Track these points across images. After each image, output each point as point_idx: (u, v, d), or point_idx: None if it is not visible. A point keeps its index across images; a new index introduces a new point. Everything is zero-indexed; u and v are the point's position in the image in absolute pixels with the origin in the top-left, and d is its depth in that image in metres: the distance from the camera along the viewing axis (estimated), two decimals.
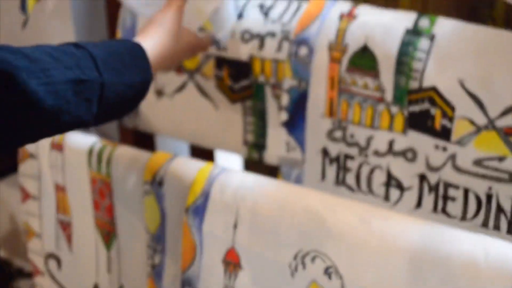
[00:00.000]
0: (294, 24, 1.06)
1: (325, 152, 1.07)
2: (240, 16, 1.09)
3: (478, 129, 0.93)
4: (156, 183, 1.04)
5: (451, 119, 0.94)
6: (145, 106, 1.24)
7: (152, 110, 1.25)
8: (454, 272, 0.82)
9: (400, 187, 1.01)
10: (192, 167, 1.02)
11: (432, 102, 0.95)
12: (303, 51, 1.04)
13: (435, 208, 0.99)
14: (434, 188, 0.99)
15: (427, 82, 0.95)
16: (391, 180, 1.02)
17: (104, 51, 0.84)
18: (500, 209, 0.93)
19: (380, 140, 1.02)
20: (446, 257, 0.83)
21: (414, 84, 0.96)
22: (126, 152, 1.11)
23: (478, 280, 0.80)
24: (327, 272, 0.90)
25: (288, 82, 1.07)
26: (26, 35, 1.33)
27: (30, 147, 1.24)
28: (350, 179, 1.05)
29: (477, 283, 0.80)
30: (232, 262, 0.98)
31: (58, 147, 1.18)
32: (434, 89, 0.95)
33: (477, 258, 0.81)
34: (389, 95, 0.99)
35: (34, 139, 0.80)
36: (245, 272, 0.97)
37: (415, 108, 0.97)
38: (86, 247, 1.20)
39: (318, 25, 1.03)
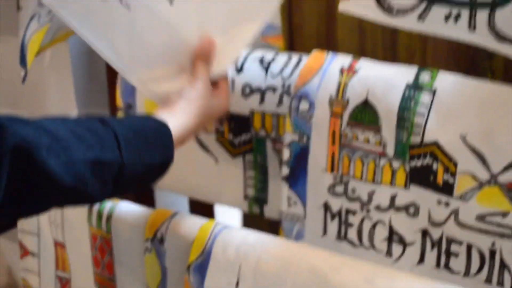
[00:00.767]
0: (294, 78, 1.06)
1: (326, 207, 1.06)
2: (240, 70, 1.10)
3: (481, 185, 0.93)
4: (157, 240, 1.04)
5: (453, 174, 0.94)
6: None
7: None
8: None
9: (403, 242, 1.01)
10: (193, 224, 1.01)
11: (434, 157, 0.95)
12: (304, 105, 1.05)
13: (438, 264, 0.98)
14: (437, 244, 0.98)
15: (428, 137, 0.95)
16: (393, 236, 1.01)
17: (129, 129, 0.84)
18: (503, 265, 0.92)
19: (382, 195, 1.01)
20: None
21: (415, 139, 0.96)
22: (126, 209, 1.10)
23: None
24: None
25: (289, 136, 1.07)
26: (26, 88, 1.34)
27: None
28: (352, 234, 1.05)
29: None
30: None
31: None
32: (436, 144, 0.95)
33: None
34: (390, 150, 0.99)
35: (47, 210, 0.80)
36: None
37: (417, 163, 0.97)
38: None
39: (318, 79, 1.04)
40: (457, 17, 0.84)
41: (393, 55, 1.20)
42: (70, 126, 0.78)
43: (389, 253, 1.02)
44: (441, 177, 0.96)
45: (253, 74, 1.10)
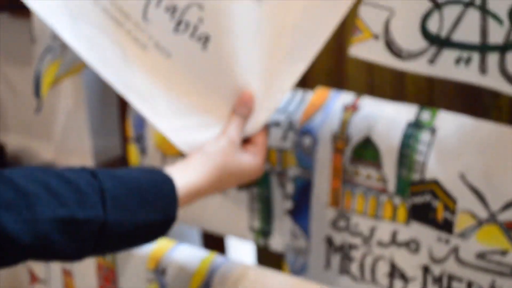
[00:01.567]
0: (299, 114, 1.08)
1: (329, 241, 1.08)
2: None
3: (480, 223, 0.94)
4: (159, 271, 1.06)
5: (453, 212, 0.96)
6: None
7: None
8: None
9: (404, 278, 1.02)
10: (195, 256, 1.03)
11: (434, 195, 0.97)
12: (307, 141, 1.07)
13: None
14: (437, 280, 0.99)
15: (428, 175, 0.97)
16: (394, 271, 1.03)
17: (122, 184, 0.78)
18: None
19: (384, 230, 1.03)
20: None
21: (416, 176, 0.98)
22: None
23: None
24: None
25: (293, 171, 1.09)
26: (39, 116, 1.37)
27: None
28: (354, 268, 1.06)
29: None
30: None
31: None
32: (435, 182, 0.96)
33: None
34: (391, 186, 1.01)
35: (11, 265, 0.74)
36: None
37: (418, 200, 0.99)
38: None
39: (322, 116, 1.06)
40: (468, 60, 0.85)
41: (401, 91, 1.22)
42: (47, 180, 0.73)
43: None
44: (441, 215, 0.97)
45: None
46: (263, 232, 1.17)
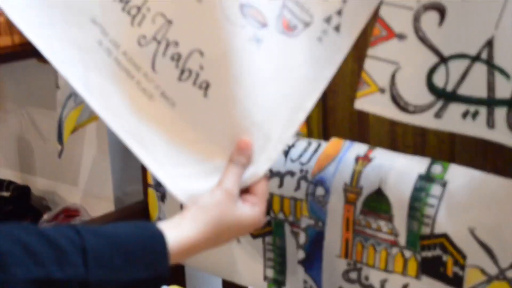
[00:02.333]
0: (312, 164, 1.09)
1: None
2: None
3: (490, 279, 0.93)
4: None
5: (462, 267, 0.95)
6: None
7: None
8: None
9: None
10: None
11: (444, 249, 0.96)
12: (319, 191, 1.07)
13: None
14: None
15: (438, 229, 0.96)
16: None
17: (106, 242, 0.75)
18: None
19: (394, 283, 1.02)
20: None
21: (426, 230, 0.97)
22: None
23: None
24: None
25: (306, 221, 1.09)
26: (64, 162, 1.40)
27: None
28: None
29: None
30: None
31: None
32: (445, 236, 0.96)
33: None
34: (402, 239, 1.00)
35: None
36: None
37: (428, 253, 0.98)
38: None
39: (335, 166, 1.07)
40: (475, 114, 0.85)
41: (423, 141, 1.22)
42: (26, 239, 0.71)
43: None
44: (450, 269, 0.96)
45: None
46: (277, 282, 1.17)
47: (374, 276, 1.04)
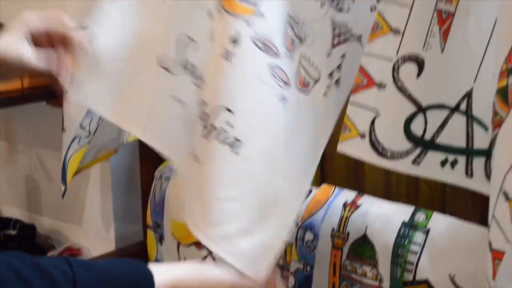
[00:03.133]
0: (302, 210, 1.12)
1: None
2: None
3: None
4: None
5: None
6: None
7: None
8: None
9: None
10: None
11: None
12: (308, 236, 1.10)
13: None
14: None
15: (420, 275, 0.98)
16: None
17: (96, 277, 0.78)
18: None
19: None
20: None
21: (408, 276, 0.99)
22: None
23: None
24: None
25: (295, 264, 1.11)
26: (68, 202, 1.44)
27: None
28: None
29: None
30: None
31: None
32: (426, 282, 0.98)
33: None
34: (386, 285, 1.02)
35: None
36: None
37: None
38: None
39: (323, 212, 1.09)
40: (454, 163, 0.88)
41: (416, 189, 1.24)
42: (21, 267, 0.74)
43: None
44: None
45: None
46: None
47: None
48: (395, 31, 0.85)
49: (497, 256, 0.69)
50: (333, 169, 1.29)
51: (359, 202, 1.08)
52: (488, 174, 0.87)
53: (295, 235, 1.11)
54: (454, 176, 0.88)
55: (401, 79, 0.86)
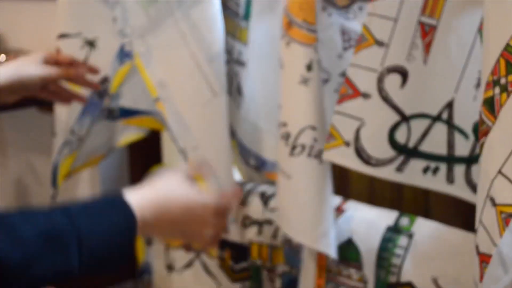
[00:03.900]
0: None
1: None
2: (243, 203, 1.20)
3: None
4: None
5: None
6: (158, 279, 1.34)
7: (164, 284, 1.34)
8: None
9: None
10: None
11: None
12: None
13: None
14: None
15: (404, 277, 1.02)
16: None
17: (81, 206, 0.84)
18: None
19: None
20: None
21: (392, 278, 1.03)
22: None
23: None
24: None
25: (281, 267, 1.15)
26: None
27: None
28: None
29: None
30: None
31: None
32: (410, 285, 1.01)
33: None
34: (371, 287, 1.05)
35: None
36: None
37: None
38: None
39: None
40: (436, 170, 0.92)
41: (399, 195, 1.28)
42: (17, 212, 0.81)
43: None
44: None
45: (254, 207, 1.20)
46: None
47: None
48: (380, 43, 0.89)
49: (484, 259, 0.73)
50: None
51: (344, 207, 1.11)
52: (468, 180, 0.92)
53: (282, 238, 1.15)
54: (436, 183, 0.93)
55: (385, 90, 0.90)
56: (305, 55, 0.99)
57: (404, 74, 0.89)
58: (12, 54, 1.59)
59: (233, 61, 1.20)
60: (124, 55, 1.25)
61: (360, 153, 0.92)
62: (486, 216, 0.70)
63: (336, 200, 1.13)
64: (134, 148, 1.46)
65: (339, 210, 1.11)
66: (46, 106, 1.35)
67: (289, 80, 1.02)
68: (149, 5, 1.15)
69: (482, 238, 0.72)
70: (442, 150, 0.91)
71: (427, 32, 0.88)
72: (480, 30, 0.86)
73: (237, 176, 1.27)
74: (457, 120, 0.90)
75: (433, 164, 0.92)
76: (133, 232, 0.85)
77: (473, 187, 0.92)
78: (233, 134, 1.24)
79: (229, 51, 1.20)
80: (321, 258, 1.10)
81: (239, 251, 1.21)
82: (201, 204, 0.93)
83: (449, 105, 0.90)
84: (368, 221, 1.08)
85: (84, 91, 1.24)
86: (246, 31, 1.17)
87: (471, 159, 0.91)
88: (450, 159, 0.91)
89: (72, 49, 1.28)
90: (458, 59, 0.88)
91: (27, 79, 1.15)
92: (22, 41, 1.67)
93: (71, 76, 1.20)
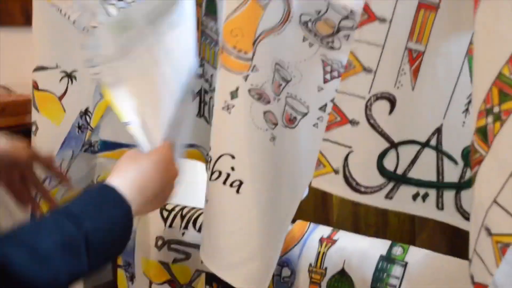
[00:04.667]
0: None
1: None
2: None
3: None
4: None
5: None
6: None
7: None
8: None
9: None
10: None
11: None
12: (285, 272, 1.14)
13: None
14: None
15: None
16: None
17: (81, 205, 0.88)
18: None
19: None
20: None
21: None
22: None
23: None
24: None
25: None
26: None
27: None
28: None
29: None
30: None
31: None
32: None
33: None
34: None
35: None
36: None
37: None
38: None
39: (300, 248, 1.14)
40: (425, 196, 0.94)
41: (384, 221, 1.30)
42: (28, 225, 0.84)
43: None
44: None
45: None
46: None
47: None
48: (368, 70, 0.91)
49: None
50: (301, 202, 1.34)
51: (335, 237, 1.13)
52: (458, 206, 0.94)
53: (272, 272, 1.15)
54: (426, 209, 0.94)
55: (373, 116, 0.92)
56: (231, 82, 1.03)
57: (392, 101, 0.91)
58: None
59: (211, 90, 1.22)
60: None
61: (349, 181, 0.94)
62: (481, 246, 0.72)
63: (327, 230, 1.15)
64: None
65: (329, 240, 1.12)
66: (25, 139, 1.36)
67: (216, 104, 1.06)
68: (121, 32, 1.16)
69: (478, 267, 0.73)
70: (432, 176, 0.93)
71: (414, 58, 0.90)
72: (468, 54, 0.88)
73: None
74: (446, 146, 0.92)
75: (422, 191, 0.93)
76: (130, 221, 0.92)
77: (463, 213, 0.93)
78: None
79: (207, 79, 1.22)
80: None
81: (227, 285, 1.22)
82: (163, 161, 1.02)
83: (438, 131, 0.92)
84: (360, 251, 1.09)
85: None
86: None
87: (461, 185, 0.93)
88: (440, 185, 0.93)
89: (51, 82, 1.29)
90: (446, 84, 0.90)
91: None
92: None
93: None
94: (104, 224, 0.87)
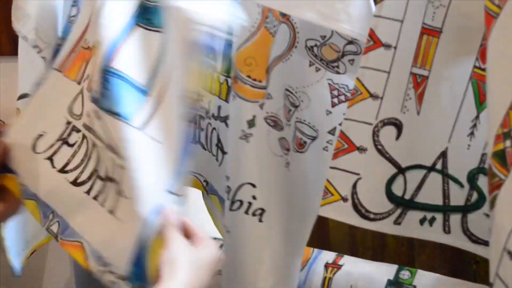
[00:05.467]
0: None
1: None
2: None
3: None
4: None
5: None
6: None
7: None
8: None
9: None
10: None
11: None
12: None
13: None
14: None
15: None
16: None
17: None
18: None
19: None
20: None
21: None
22: None
23: None
24: None
25: None
26: (26, 272, 1.47)
27: None
28: None
29: None
30: None
31: None
32: None
33: None
34: None
35: None
36: None
37: None
38: None
39: (305, 274, 1.17)
40: (432, 220, 0.96)
41: (382, 243, 1.32)
42: None
43: None
44: None
45: None
46: None
47: None
48: (375, 96, 0.94)
49: None
50: None
51: (340, 262, 1.16)
52: (464, 229, 0.96)
53: None
54: (433, 233, 0.97)
55: (381, 142, 0.95)
56: (247, 111, 1.07)
57: (399, 126, 0.94)
58: None
59: (209, 116, 1.24)
60: None
61: (358, 208, 0.96)
62: (503, 270, 0.74)
63: (331, 255, 1.17)
64: None
65: (335, 265, 1.15)
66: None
67: (232, 134, 1.10)
68: None
69: None
70: (438, 200, 0.96)
71: (419, 83, 0.93)
72: (472, 78, 0.92)
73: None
74: (452, 170, 0.95)
75: (429, 215, 0.96)
76: None
77: (469, 235, 0.96)
78: (215, 190, 1.27)
79: (202, 106, 1.24)
80: None
81: None
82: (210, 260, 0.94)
83: (443, 155, 0.95)
84: (367, 276, 1.12)
85: None
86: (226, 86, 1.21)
87: (467, 208, 0.96)
88: (446, 209, 0.96)
89: None
90: (451, 108, 0.93)
91: None
92: None
93: None
94: None
